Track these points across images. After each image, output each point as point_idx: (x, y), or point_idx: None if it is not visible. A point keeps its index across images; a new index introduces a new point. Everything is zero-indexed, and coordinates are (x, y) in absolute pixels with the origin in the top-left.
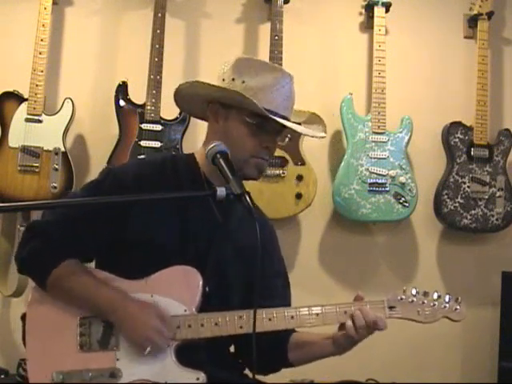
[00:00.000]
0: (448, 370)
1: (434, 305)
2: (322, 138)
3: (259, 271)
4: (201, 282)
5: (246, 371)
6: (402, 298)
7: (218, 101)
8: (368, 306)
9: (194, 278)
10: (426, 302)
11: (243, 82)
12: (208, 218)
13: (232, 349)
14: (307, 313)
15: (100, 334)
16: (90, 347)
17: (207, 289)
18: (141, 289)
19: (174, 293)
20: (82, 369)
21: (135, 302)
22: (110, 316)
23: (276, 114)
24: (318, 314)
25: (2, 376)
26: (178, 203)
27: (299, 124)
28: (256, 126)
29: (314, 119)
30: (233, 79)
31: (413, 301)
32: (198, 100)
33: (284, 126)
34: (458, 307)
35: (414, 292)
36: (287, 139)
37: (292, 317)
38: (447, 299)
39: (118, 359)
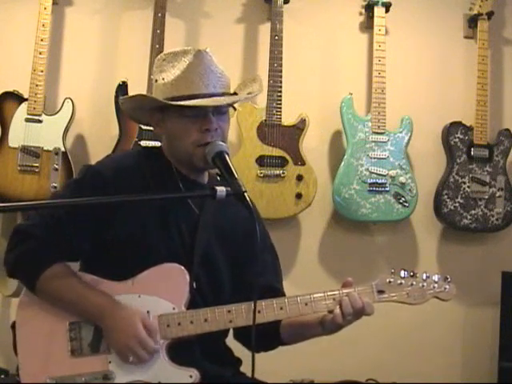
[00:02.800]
0: (448, 369)
1: (423, 286)
2: (251, 96)
3: (255, 255)
4: (188, 279)
5: (243, 368)
6: (390, 281)
7: (150, 108)
8: (356, 291)
9: (180, 275)
10: (414, 283)
11: (163, 79)
12: (186, 213)
13: (227, 341)
14: (296, 303)
15: (90, 338)
16: (81, 352)
17: (195, 285)
18: (128, 290)
19: (161, 291)
20: (74, 374)
21: (123, 309)
22: (97, 321)
23: (197, 96)
24: (306, 304)
25: (2, 376)
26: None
27: (235, 94)
28: (186, 115)
29: (246, 83)
30: (156, 80)
31: (401, 283)
32: (141, 112)
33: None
34: (447, 286)
35: (402, 274)
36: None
37: (281, 308)
38: (436, 279)
39: (110, 362)
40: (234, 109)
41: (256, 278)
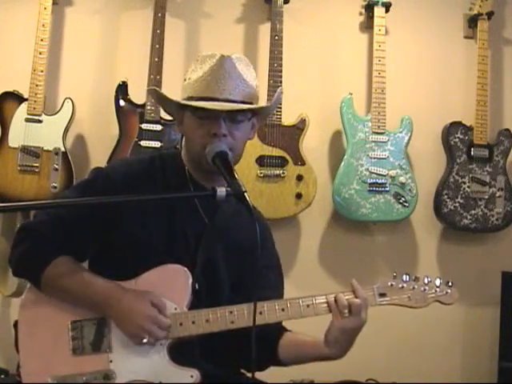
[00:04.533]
0: (448, 370)
1: (425, 289)
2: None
3: (257, 266)
4: (190, 280)
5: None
6: (392, 285)
7: (175, 106)
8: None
9: (183, 276)
10: (416, 286)
11: (189, 79)
12: (195, 218)
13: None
14: (298, 305)
15: (92, 337)
16: (82, 351)
17: (197, 286)
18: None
19: (163, 292)
20: (75, 373)
21: (131, 291)
22: (105, 310)
23: (210, 99)
24: (308, 306)
25: (2, 376)
26: (166, 203)
27: (250, 103)
28: (199, 117)
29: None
30: (184, 79)
31: (403, 286)
32: (168, 107)
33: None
34: (449, 290)
35: (404, 278)
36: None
37: (283, 309)
38: (438, 283)
39: (111, 361)
40: (257, 119)
41: (255, 289)
